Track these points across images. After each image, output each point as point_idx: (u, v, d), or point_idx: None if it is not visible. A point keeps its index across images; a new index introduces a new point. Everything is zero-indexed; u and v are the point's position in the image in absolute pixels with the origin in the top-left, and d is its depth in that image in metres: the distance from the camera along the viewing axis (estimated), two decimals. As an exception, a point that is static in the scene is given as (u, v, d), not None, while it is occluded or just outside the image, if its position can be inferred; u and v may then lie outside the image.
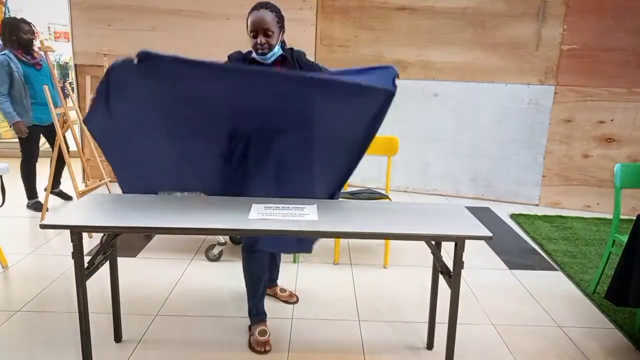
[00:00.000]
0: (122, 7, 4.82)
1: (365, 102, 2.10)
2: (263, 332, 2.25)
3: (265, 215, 1.88)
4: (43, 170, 4.24)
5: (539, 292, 2.93)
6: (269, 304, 2.50)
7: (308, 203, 2.07)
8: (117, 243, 2.15)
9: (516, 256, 3.48)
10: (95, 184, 3.73)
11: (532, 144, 4.72)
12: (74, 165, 3.65)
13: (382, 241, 3.36)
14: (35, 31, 3.87)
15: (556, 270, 3.27)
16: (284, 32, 2.14)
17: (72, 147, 4.11)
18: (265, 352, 2.21)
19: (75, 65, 4.91)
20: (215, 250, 3.16)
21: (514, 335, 2.45)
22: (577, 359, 2.28)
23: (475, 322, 2.56)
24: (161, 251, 3.31)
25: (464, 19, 4.67)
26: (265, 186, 2.14)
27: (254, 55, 2.12)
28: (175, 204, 2.03)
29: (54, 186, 4.23)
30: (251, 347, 2.23)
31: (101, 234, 3.32)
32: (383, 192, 3.17)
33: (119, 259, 2.23)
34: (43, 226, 1.75)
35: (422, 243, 2.26)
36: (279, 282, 2.75)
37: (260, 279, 2.29)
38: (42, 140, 4.14)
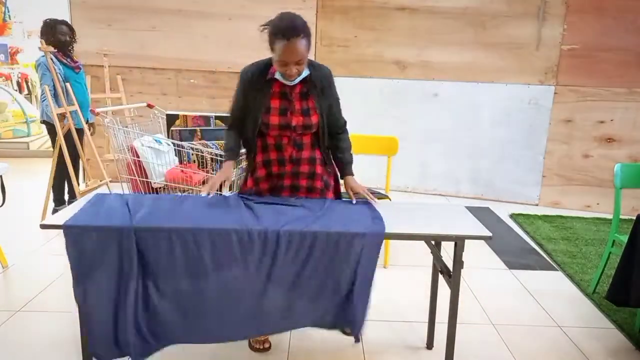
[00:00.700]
0: (122, 7, 4.83)
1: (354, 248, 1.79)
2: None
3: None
4: (46, 170, 4.21)
5: (539, 292, 2.93)
6: (269, 304, 2.49)
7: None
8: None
9: (516, 256, 3.48)
10: (96, 184, 3.73)
11: (532, 144, 4.71)
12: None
13: (382, 241, 3.36)
14: (73, 33, 3.85)
15: (556, 270, 3.27)
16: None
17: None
18: (265, 349, 2.21)
19: (76, 65, 4.91)
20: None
21: (513, 335, 2.45)
22: (577, 359, 2.28)
23: (475, 322, 2.56)
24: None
25: (464, 19, 4.67)
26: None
27: (277, 76, 1.97)
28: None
29: (63, 200, 4.03)
30: (250, 345, 2.23)
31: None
32: (383, 192, 3.17)
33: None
34: (43, 226, 1.76)
35: (422, 243, 2.26)
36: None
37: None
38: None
